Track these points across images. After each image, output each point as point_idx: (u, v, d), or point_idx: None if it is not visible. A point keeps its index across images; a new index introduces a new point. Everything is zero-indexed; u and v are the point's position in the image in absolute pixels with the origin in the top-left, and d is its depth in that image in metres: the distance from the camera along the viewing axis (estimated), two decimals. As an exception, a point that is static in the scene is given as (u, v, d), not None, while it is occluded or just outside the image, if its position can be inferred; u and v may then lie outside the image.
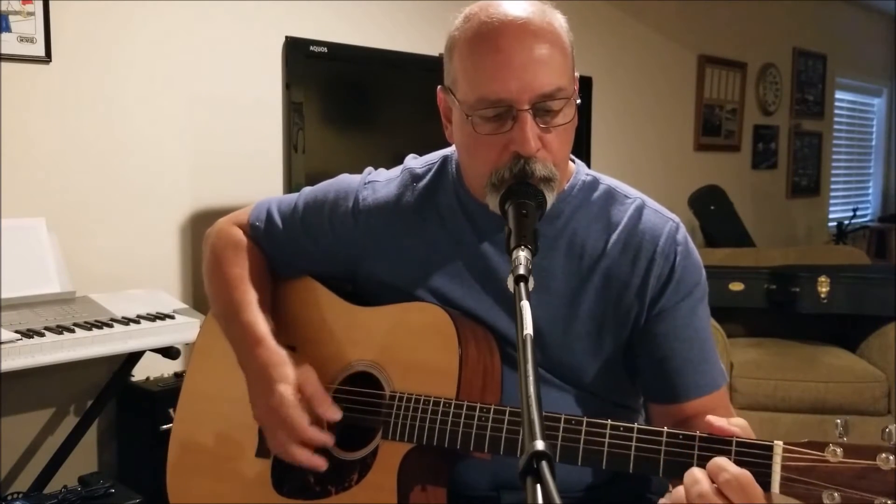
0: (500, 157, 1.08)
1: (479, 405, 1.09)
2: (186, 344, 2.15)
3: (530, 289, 0.90)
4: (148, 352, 2.14)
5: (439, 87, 1.19)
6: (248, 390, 1.22)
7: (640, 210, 1.20)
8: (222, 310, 1.31)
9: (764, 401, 3.22)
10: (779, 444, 0.91)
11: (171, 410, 2.18)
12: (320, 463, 1.15)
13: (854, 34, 6.61)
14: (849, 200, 7.06)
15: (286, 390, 1.15)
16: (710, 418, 0.97)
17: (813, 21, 6.01)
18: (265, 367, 1.18)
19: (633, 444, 0.98)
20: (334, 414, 1.16)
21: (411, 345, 1.18)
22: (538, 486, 0.63)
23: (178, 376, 2.38)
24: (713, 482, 0.89)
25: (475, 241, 1.21)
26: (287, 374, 1.17)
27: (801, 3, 5.73)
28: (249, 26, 2.73)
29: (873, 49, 7.00)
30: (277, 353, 1.20)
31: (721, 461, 0.90)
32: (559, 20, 1.11)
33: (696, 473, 0.91)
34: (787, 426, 3.20)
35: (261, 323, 1.24)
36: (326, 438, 1.16)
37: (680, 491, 0.91)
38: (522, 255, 0.95)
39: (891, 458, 0.85)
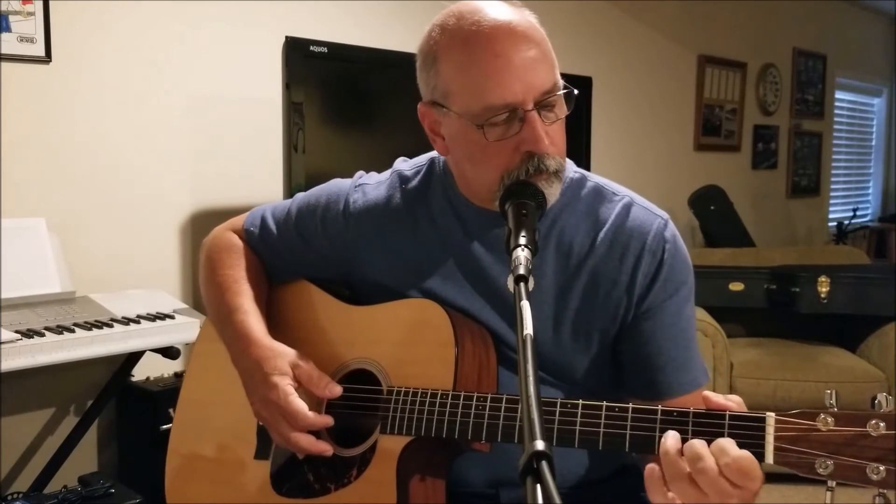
0: (512, 160, 1.09)
1: (476, 394, 1.09)
2: (186, 344, 2.15)
3: (530, 289, 0.90)
4: (148, 352, 2.14)
5: (421, 104, 1.18)
6: (244, 389, 1.23)
7: (627, 208, 1.20)
8: (217, 312, 1.32)
9: (764, 401, 3.21)
10: (771, 416, 0.92)
11: (170, 410, 2.19)
12: (326, 448, 1.15)
13: (854, 34, 6.62)
14: (849, 200, 7.06)
15: (282, 381, 1.16)
16: (707, 393, 0.97)
17: (813, 21, 6.01)
18: (259, 363, 1.19)
19: (629, 423, 0.99)
20: (334, 389, 1.17)
21: (407, 340, 1.18)
22: (538, 485, 0.63)
23: (178, 376, 2.38)
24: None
25: (466, 241, 1.22)
26: (281, 365, 1.18)
27: (801, 3, 5.73)
28: (249, 26, 2.73)
29: (873, 49, 7.01)
30: (270, 349, 1.20)
31: (724, 443, 0.90)
32: (533, 17, 1.12)
33: (698, 449, 0.90)
34: (788, 426, 3.19)
35: (254, 322, 1.24)
36: (328, 420, 1.17)
37: (673, 460, 0.91)
38: (522, 255, 0.96)
39: (881, 424, 0.86)
